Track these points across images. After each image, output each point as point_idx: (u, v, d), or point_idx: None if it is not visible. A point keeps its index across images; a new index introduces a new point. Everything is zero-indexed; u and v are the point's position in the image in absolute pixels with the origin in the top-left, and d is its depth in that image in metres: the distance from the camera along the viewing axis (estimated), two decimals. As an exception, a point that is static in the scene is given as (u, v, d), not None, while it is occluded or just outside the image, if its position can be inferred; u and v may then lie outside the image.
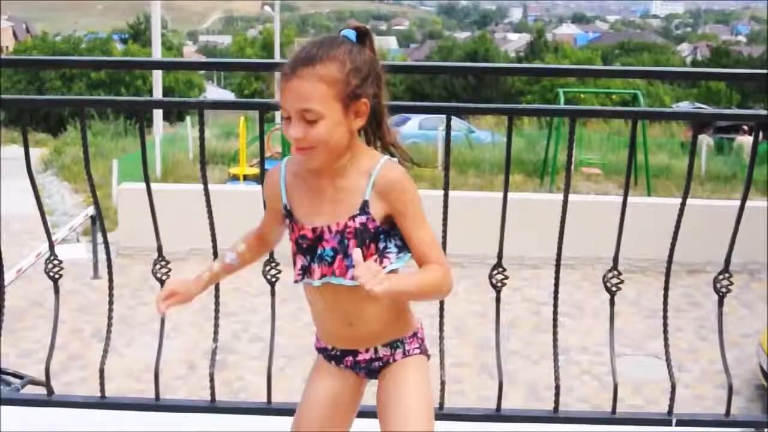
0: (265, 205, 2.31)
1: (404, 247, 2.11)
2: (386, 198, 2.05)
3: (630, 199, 3.10)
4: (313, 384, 2.33)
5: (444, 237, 3.02)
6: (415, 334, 2.28)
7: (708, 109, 21.43)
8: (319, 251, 2.10)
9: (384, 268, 2.03)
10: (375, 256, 2.07)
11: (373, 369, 2.26)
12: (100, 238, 11.67)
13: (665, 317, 3.17)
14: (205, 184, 3.10)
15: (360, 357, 2.25)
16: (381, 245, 2.08)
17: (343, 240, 2.06)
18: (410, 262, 2.14)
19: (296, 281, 2.17)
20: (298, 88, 1.95)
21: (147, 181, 3.14)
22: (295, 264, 2.16)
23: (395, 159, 2.12)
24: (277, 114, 25.82)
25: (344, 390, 2.30)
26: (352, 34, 2.03)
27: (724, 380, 3.18)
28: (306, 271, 2.14)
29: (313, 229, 2.10)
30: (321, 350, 2.33)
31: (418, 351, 2.26)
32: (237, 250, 2.35)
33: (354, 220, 2.05)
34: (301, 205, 2.14)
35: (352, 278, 1.98)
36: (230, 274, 2.39)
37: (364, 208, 2.05)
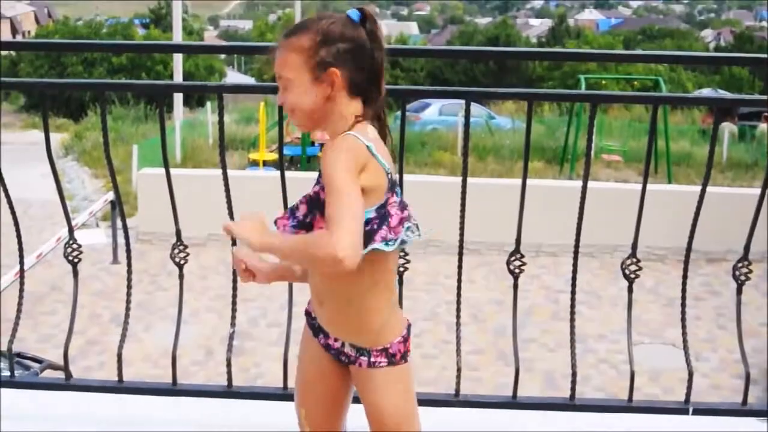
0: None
1: (370, 235, 2.00)
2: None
3: (650, 186, 3.08)
4: (304, 364, 2.33)
5: (462, 223, 3.01)
6: (385, 350, 2.17)
7: (729, 95, 21.29)
8: None
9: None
10: None
11: (341, 360, 2.23)
12: (119, 224, 11.74)
13: (683, 306, 3.16)
14: (224, 169, 3.09)
15: (330, 341, 2.23)
16: None
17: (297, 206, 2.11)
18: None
19: None
20: (278, 57, 2.07)
21: (166, 166, 3.15)
22: None
23: (362, 138, 2.00)
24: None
25: (330, 372, 2.27)
26: (355, 14, 2.07)
27: (741, 369, 3.16)
28: None
29: None
30: (307, 314, 2.31)
31: (384, 364, 2.17)
32: None
33: (313, 189, 2.10)
34: None
35: None
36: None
37: (319, 177, 2.06)
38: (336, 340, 2.21)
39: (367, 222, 1.99)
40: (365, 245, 1.96)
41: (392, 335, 2.18)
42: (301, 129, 2.14)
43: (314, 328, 2.28)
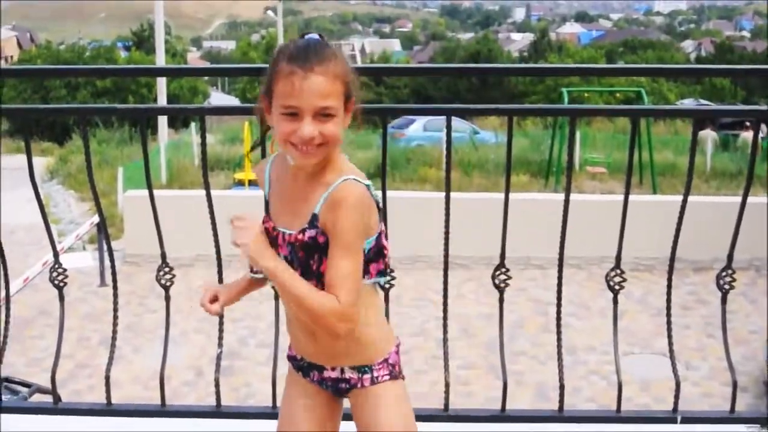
0: None
1: (366, 270, 2.05)
2: (327, 213, 1.98)
3: (636, 197, 3.10)
4: (290, 402, 2.27)
5: (446, 238, 3.03)
6: (385, 360, 2.17)
7: (709, 106, 21.40)
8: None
9: None
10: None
11: (341, 389, 2.19)
12: (106, 246, 11.70)
13: (668, 315, 3.18)
14: (208, 189, 3.11)
15: (326, 374, 2.18)
16: None
17: (293, 251, 2.04)
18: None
19: (255, 272, 2.21)
20: (319, 85, 1.92)
21: (150, 187, 3.16)
22: None
23: (363, 181, 2.01)
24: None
25: (320, 406, 2.23)
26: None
27: (730, 377, 3.18)
28: None
29: (273, 228, 2.09)
30: (291, 358, 2.27)
31: (387, 378, 2.17)
32: None
33: (304, 234, 2.01)
34: (274, 200, 2.14)
35: None
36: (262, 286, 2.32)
37: (314, 221, 2.00)
38: (333, 369, 2.16)
39: (366, 253, 2.03)
40: (364, 277, 2.02)
41: (389, 344, 2.19)
42: (313, 161, 1.99)
43: (303, 368, 2.22)
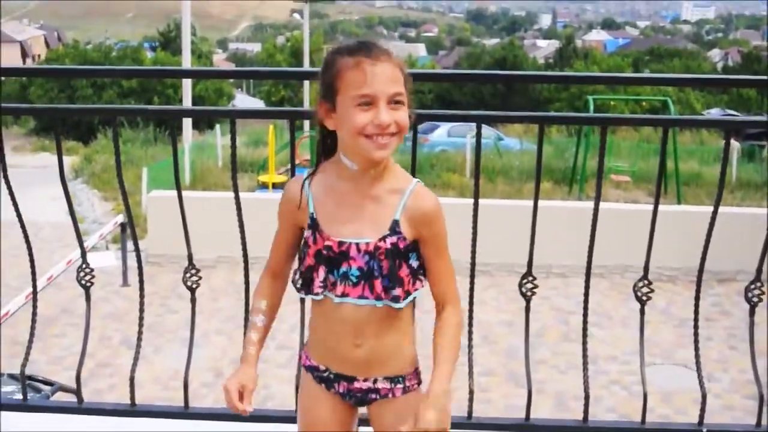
0: (280, 226, 2.24)
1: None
2: (417, 225, 2.02)
3: (660, 207, 3.07)
4: (310, 413, 2.26)
5: (473, 245, 3.02)
6: (415, 370, 2.20)
7: (739, 117, 21.25)
8: (343, 269, 2.04)
9: (416, 290, 2.09)
10: (409, 277, 2.05)
11: (367, 400, 2.18)
12: (129, 246, 11.74)
13: (696, 326, 3.15)
14: (236, 192, 3.11)
15: (356, 385, 2.15)
16: (413, 264, 2.05)
17: (371, 260, 2.01)
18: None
19: (316, 293, 2.10)
20: (388, 71, 1.95)
21: (179, 189, 3.16)
22: (313, 276, 2.09)
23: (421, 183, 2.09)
24: (306, 122, 25.86)
25: (340, 416, 2.22)
26: None
27: (754, 390, 3.15)
28: (327, 285, 2.09)
29: (340, 243, 2.04)
30: (311, 369, 2.25)
31: (416, 386, 2.20)
32: (261, 309, 2.27)
33: (385, 241, 2.00)
34: (327, 214, 2.07)
35: (392, 299, 2.03)
36: (268, 332, 2.32)
37: (395, 227, 2.00)
38: (366, 380, 2.15)
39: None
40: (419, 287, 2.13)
41: (416, 353, 2.22)
42: (387, 153, 1.98)
43: (328, 380, 2.20)
